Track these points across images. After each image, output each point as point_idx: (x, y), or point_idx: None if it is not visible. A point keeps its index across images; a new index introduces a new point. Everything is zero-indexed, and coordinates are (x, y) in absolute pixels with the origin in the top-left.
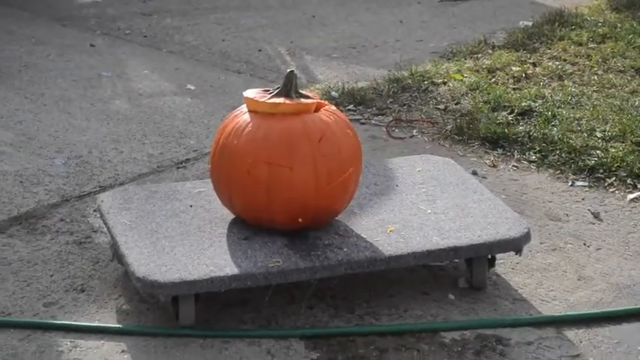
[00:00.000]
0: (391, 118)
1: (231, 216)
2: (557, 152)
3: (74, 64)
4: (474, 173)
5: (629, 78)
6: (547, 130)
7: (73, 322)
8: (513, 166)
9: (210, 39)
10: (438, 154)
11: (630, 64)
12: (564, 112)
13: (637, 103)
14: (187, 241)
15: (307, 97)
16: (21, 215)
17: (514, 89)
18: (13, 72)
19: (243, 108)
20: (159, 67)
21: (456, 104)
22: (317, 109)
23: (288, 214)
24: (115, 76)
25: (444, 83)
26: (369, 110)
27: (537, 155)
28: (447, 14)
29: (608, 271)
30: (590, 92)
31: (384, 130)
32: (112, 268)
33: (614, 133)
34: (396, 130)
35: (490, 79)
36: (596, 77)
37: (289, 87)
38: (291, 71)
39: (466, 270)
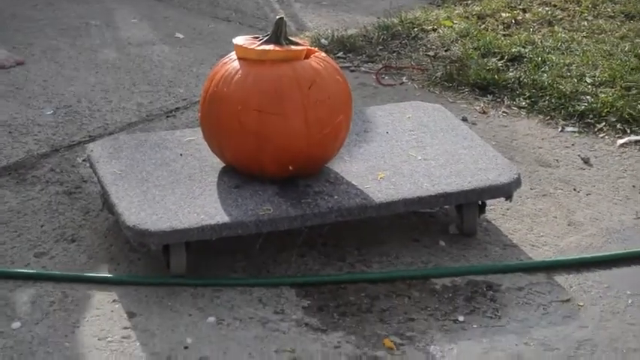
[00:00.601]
0: (381, 66)
1: (221, 164)
2: (547, 98)
3: (62, 13)
4: (464, 120)
5: (618, 23)
6: (537, 76)
7: (64, 273)
8: (503, 112)
9: None
10: (427, 101)
11: (620, 9)
12: (554, 57)
13: (627, 48)
14: (178, 189)
15: (297, 44)
16: (10, 165)
17: (504, 35)
18: (0, 22)
19: (233, 55)
20: (147, 15)
21: (445, 51)
22: (307, 56)
23: (278, 162)
24: (103, 24)
25: (434, 30)
26: (358, 57)
27: (527, 101)
28: None
29: (598, 216)
30: (579, 38)
31: (374, 77)
32: (102, 217)
33: (604, 79)
34: (386, 77)
35: (480, 26)
36: (585, 23)
37: (279, 34)
38: (281, 18)
39: (456, 216)
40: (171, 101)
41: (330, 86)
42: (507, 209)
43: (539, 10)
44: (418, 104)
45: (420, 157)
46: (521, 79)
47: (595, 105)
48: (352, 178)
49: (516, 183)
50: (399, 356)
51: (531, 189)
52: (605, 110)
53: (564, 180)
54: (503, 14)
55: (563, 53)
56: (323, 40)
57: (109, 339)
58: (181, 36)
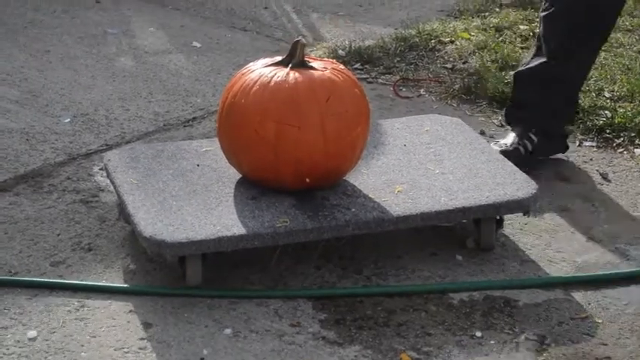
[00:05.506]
0: (398, 77)
1: (238, 175)
2: None
3: (80, 21)
4: (482, 133)
5: (637, 37)
6: None
7: (80, 282)
8: None
9: None
10: (445, 114)
11: (638, 22)
12: None
13: None
14: (194, 200)
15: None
16: (27, 173)
17: (522, 48)
18: (18, 29)
19: (251, 66)
20: (164, 24)
21: (463, 63)
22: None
23: (295, 174)
24: (120, 33)
25: (452, 42)
26: (376, 69)
27: None
28: None
29: (617, 232)
30: None
31: (391, 89)
32: (118, 227)
33: (623, 93)
34: (403, 89)
35: (498, 38)
36: None
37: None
38: (297, 41)
39: (474, 230)
40: (189, 111)
41: (348, 99)
42: (525, 224)
43: None
44: (436, 117)
45: (437, 171)
46: None
47: (613, 120)
48: (369, 191)
49: (534, 198)
50: None
51: (549, 204)
52: (624, 125)
53: (582, 195)
54: (521, 27)
55: None
56: (340, 52)
57: (125, 349)
58: (198, 45)
